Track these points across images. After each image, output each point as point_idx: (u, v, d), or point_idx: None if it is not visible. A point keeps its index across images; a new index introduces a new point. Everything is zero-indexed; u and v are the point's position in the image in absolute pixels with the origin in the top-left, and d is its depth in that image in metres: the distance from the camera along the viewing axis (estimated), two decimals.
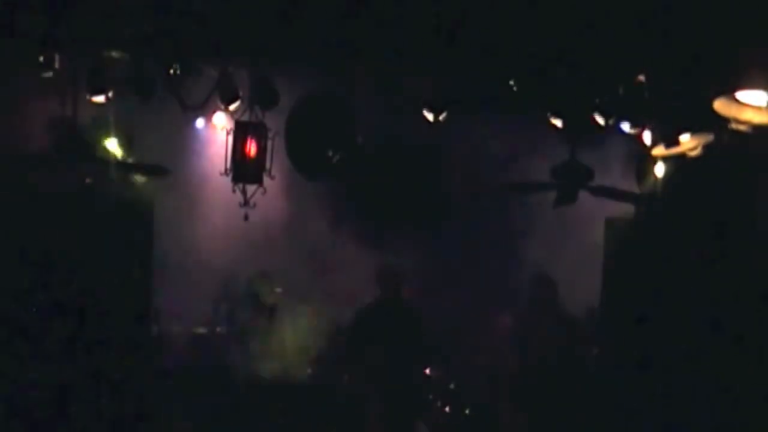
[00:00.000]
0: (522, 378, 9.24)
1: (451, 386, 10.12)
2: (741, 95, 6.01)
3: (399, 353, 9.50)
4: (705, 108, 6.26)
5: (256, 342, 9.37)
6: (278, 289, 11.20)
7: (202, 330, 9.83)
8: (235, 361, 9.27)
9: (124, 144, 8.44)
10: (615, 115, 7.53)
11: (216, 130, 9.71)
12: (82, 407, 7.86)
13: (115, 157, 8.30)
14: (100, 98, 7.78)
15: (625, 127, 7.59)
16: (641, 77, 7.35)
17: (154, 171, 8.31)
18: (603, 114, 7.55)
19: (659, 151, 7.56)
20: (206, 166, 9.69)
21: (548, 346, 8.98)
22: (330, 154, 8.15)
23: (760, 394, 6.68)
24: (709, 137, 6.99)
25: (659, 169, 8.02)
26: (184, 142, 10.44)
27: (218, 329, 9.69)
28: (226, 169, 8.16)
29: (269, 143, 8.08)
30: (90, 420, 7.84)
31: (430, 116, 7.95)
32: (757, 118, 6.06)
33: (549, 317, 9.08)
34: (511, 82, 7.59)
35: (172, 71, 7.52)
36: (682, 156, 7.34)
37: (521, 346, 9.18)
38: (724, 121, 6.31)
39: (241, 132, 8.08)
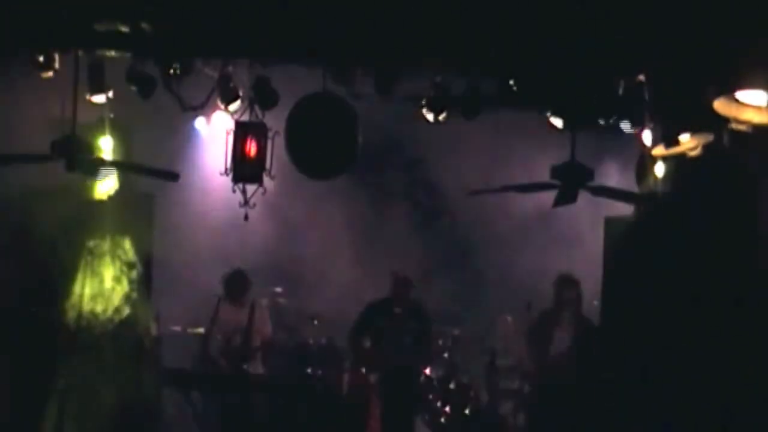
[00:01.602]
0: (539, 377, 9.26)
1: (451, 386, 10.12)
2: (741, 95, 6.00)
3: (401, 352, 9.51)
4: (705, 108, 6.25)
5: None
6: (278, 289, 11.26)
7: (201, 330, 9.82)
8: (233, 360, 9.29)
9: (124, 144, 8.42)
10: (615, 115, 7.53)
11: (216, 130, 9.71)
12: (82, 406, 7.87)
13: (114, 157, 8.27)
14: (99, 98, 7.77)
15: (625, 127, 7.59)
16: (641, 77, 7.35)
17: (163, 176, 8.26)
18: (603, 114, 7.55)
19: (659, 151, 7.56)
20: (206, 166, 9.69)
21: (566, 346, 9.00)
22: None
23: (760, 394, 6.68)
24: (709, 137, 6.98)
25: (659, 169, 8.01)
26: (184, 142, 10.45)
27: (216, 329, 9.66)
28: (226, 169, 8.16)
29: (269, 143, 8.08)
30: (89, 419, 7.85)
31: (430, 116, 7.96)
32: (757, 118, 6.05)
33: (571, 318, 9.07)
34: (511, 82, 7.59)
35: (172, 71, 7.52)
36: (682, 156, 7.33)
37: (540, 346, 9.17)
38: (724, 121, 6.31)
39: (241, 132, 8.08)
